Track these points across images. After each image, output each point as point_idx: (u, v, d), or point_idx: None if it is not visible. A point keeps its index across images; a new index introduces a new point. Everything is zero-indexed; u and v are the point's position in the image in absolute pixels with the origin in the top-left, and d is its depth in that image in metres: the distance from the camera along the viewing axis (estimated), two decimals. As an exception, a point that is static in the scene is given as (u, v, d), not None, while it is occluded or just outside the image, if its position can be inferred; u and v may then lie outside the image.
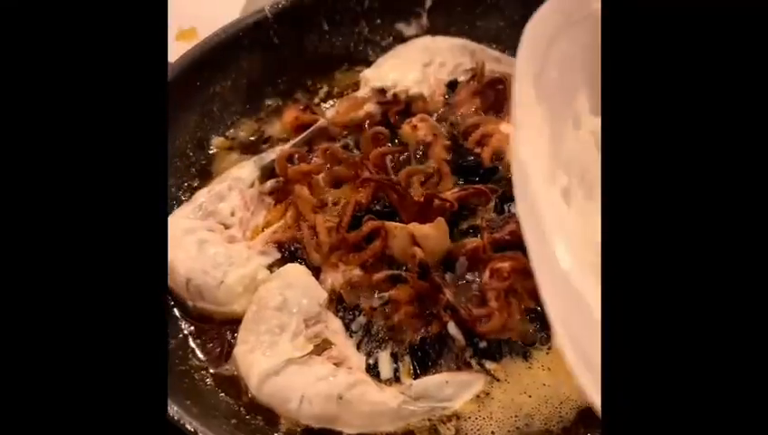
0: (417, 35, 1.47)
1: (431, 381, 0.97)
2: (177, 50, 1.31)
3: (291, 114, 1.32)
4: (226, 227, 1.16)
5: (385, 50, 1.45)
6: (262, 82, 1.39)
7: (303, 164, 1.19)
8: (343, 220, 1.08)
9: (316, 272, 1.08)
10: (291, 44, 1.42)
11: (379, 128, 1.24)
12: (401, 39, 1.48)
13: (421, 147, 1.22)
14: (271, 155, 1.24)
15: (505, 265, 1.02)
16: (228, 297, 1.05)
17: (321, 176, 1.17)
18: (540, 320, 1.02)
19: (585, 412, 0.93)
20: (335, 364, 0.98)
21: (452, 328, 1.00)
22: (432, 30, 1.47)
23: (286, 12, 1.39)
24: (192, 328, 1.08)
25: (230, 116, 1.36)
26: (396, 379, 0.98)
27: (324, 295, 1.04)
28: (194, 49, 1.30)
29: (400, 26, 1.49)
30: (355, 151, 1.24)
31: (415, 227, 1.07)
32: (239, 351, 1.00)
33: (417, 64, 1.33)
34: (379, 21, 1.47)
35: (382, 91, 1.30)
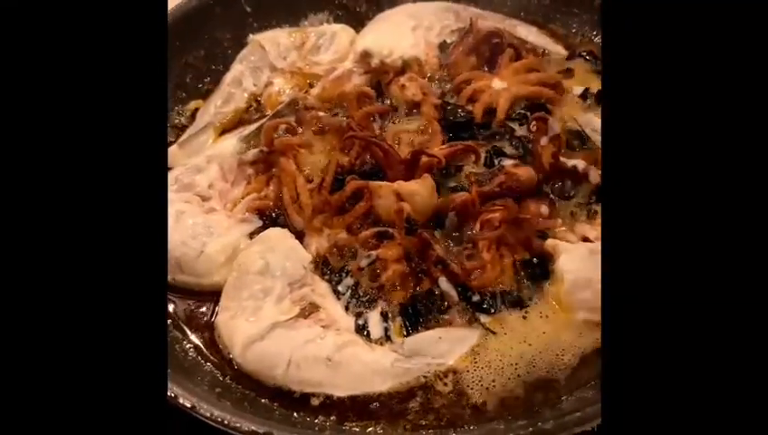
0: (393, -1, 1.44)
1: (424, 337, 0.92)
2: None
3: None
4: (204, 199, 1.11)
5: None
6: (235, 52, 1.35)
7: (290, 136, 1.13)
8: (325, 180, 1.03)
9: (299, 237, 1.04)
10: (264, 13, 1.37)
11: (365, 88, 1.20)
12: (377, 2, 1.44)
13: (410, 108, 1.18)
14: (252, 126, 1.19)
15: (495, 214, 0.98)
16: (209, 268, 1.01)
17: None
18: (532, 269, 0.98)
19: (588, 358, 0.89)
20: (323, 327, 0.94)
21: (443, 283, 0.95)
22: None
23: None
24: (172, 301, 1.03)
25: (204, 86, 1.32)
26: (387, 338, 0.94)
27: (309, 257, 1.00)
28: (163, 18, 1.25)
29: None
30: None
31: (400, 184, 1.03)
32: (221, 318, 0.96)
33: (406, 29, 1.29)
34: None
35: (366, 60, 1.25)
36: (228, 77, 1.30)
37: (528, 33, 1.33)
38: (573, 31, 1.36)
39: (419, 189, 1.02)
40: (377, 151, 1.08)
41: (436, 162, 1.05)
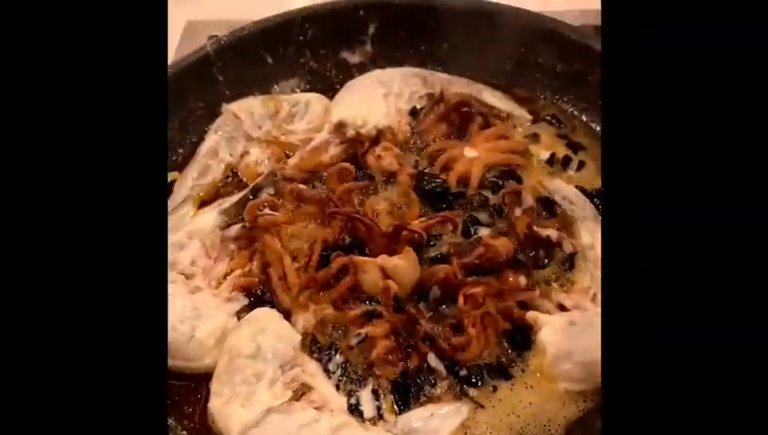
0: (362, 63, 1.48)
1: (416, 415, 0.95)
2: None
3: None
4: (188, 277, 1.12)
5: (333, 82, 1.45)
6: (209, 121, 1.36)
7: (274, 213, 1.15)
8: (312, 259, 1.06)
9: (286, 315, 1.05)
10: (235, 80, 1.39)
11: (344, 164, 1.23)
12: (346, 67, 1.48)
13: (386, 177, 1.21)
14: (233, 199, 1.21)
15: (478, 289, 1.02)
16: (199, 352, 1.01)
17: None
18: (515, 340, 1.02)
19: (572, 428, 0.94)
20: (316, 408, 0.96)
21: (432, 359, 0.99)
22: (378, 57, 1.47)
23: (227, 47, 1.37)
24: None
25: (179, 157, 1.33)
26: (379, 416, 0.97)
27: (298, 338, 1.02)
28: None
29: (344, 54, 1.49)
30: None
31: (384, 259, 1.06)
32: (215, 404, 0.96)
33: (377, 97, 1.33)
34: (323, 51, 1.47)
35: (341, 131, 1.28)
36: (204, 148, 1.31)
37: (494, 99, 1.39)
38: (537, 94, 1.42)
39: (403, 264, 1.05)
40: (359, 226, 1.11)
41: (416, 237, 1.09)
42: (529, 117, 1.37)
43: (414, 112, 1.36)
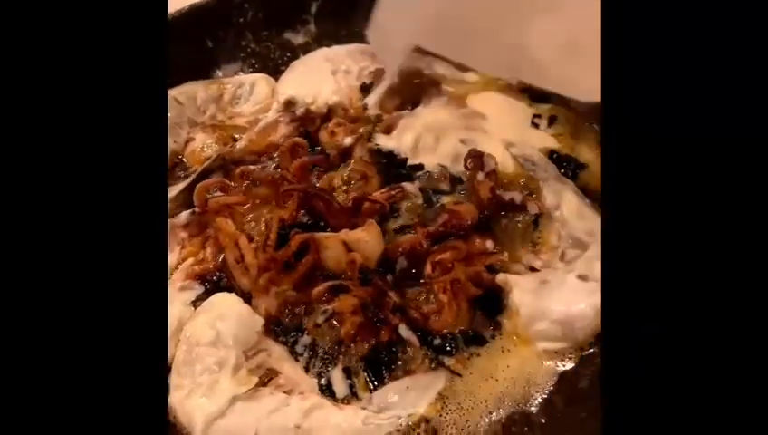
0: (307, 43, 1.43)
1: (391, 389, 0.91)
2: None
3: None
4: (137, 269, 1.04)
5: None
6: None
7: (225, 195, 1.09)
8: (270, 237, 1.00)
9: (246, 300, 0.99)
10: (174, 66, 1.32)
11: (297, 139, 1.17)
12: (290, 49, 1.43)
13: (340, 152, 1.17)
14: (179, 186, 1.14)
15: (446, 255, 0.98)
16: (154, 343, 0.94)
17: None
18: (486, 305, 0.99)
19: (555, 386, 0.91)
20: (285, 393, 0.90)
21: (403, 330, 0.94)
22: (321, 36, 1.43)
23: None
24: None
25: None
26: (353, 395, 0.92)
27: (261, 322, 0.96)
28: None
29: (288, 35, 1.44)
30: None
31: (346, 233, 1.01)
32: (175, 398, 0.89)
33: (325, 74, 1.28)
34: (265, 32, 1.41)
35: (290, 109, 1.23)
36: (145, 136, 1.24)
37: (444, 69, 1.35)
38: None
39: (366, 236, 1.01)
40: (317, 202, 1.06)
41: (378, 207, 1.05)
42: (475, 78, 1.32)
43: (364, 88, 1.31)
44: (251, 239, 1.04)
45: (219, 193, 1.09)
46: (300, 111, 1.23)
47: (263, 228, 1.06)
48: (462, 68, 1.35)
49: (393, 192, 1.08)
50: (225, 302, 0.97)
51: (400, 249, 1.01)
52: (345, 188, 1.13)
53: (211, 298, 0.98)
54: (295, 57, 1.41)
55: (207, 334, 0.92)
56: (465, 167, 1.09)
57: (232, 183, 1.12)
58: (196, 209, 1.08)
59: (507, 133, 1.20)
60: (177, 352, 0.93)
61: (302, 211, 1.07)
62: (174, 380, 0.91)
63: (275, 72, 1.39)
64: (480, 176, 1.08)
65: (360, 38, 1.41)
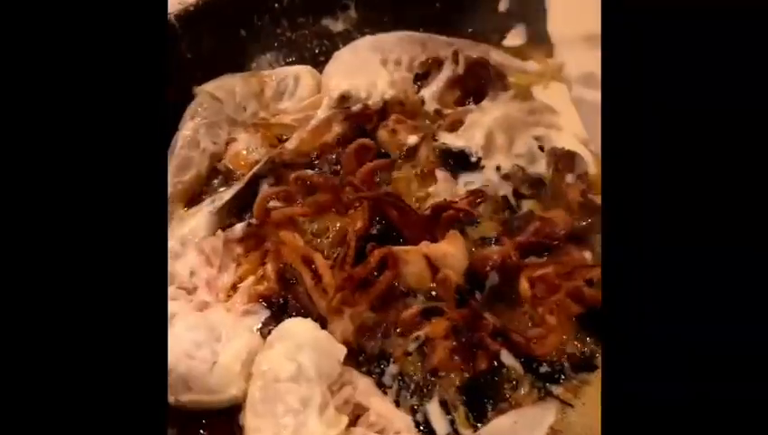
0: (347, 30, 1.31)
1: (498, 425, 0.81)
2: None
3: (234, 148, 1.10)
4: (189, 292, 0.92)
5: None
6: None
7: (287, 205, 0.97)
8: (348, 254, 0.88)
9: (322, 325, 0.88)
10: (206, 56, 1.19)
11: (363, 140, 1.05)
12: (328, 37, 1.30)
13: (405, 151, 1.05)
14: (226, 194, 1.01)
15: (549, 270, 0.88)
16: (224, 381, 0.82)
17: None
18: (590, 323, 0.89)
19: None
20: (378, 433, 0.79)
21: (506, 357, 0.84)
22: (363, 23, 1.31)
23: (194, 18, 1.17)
24: (175, 431, 0.83)
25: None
26: (455, 432, 0.81)
27: (343, 350, 0.84)
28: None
29: (326, 22, 1.31)
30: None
31: (428, 246, 0.90)
32: (255, 444, 0.78)
33: (375, 65, 1.16)
34: (302, 19, 1.28)
35: (344, 105, 1.11)
36: (180, 138, 1.10)
37: (502, 58, 1.24)
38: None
39: (452, 249, 0.90)
40: (391, 211, 0.95)
41: (462, 215, 0.94)
42: (536, 66, 1.22)
43: (418, 79, 1.20)
44: (317, 250, 0.93)
45: (278, 203, 0.97)
46: (356, 107, 1.10)
47: (328, 243, 0.95)
48: (521, 55, 1.25)
49: (473, 197, 0.97)
50: (302, 328, 0.85)
51: (490, 263, 0.90)
52: (414, 191, 1.02)
53: (285, 325, 0.86)
54: (334, 47, 1.28)
55: (287, 368, 0.80)
56: (556, 169, 0.99)
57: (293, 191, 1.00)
58: (254, 221, 0.96)
59: (582, 129, 1.10)
60: (252, 389, 0.81)
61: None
62: (250, 421, 0.79)
63: (313, 63, 1.27)
64: (570, 178, 0.98)
65: (403, 26, 1.30)
